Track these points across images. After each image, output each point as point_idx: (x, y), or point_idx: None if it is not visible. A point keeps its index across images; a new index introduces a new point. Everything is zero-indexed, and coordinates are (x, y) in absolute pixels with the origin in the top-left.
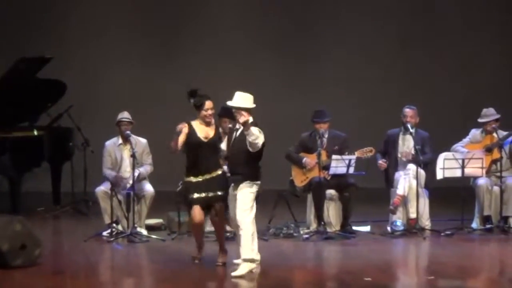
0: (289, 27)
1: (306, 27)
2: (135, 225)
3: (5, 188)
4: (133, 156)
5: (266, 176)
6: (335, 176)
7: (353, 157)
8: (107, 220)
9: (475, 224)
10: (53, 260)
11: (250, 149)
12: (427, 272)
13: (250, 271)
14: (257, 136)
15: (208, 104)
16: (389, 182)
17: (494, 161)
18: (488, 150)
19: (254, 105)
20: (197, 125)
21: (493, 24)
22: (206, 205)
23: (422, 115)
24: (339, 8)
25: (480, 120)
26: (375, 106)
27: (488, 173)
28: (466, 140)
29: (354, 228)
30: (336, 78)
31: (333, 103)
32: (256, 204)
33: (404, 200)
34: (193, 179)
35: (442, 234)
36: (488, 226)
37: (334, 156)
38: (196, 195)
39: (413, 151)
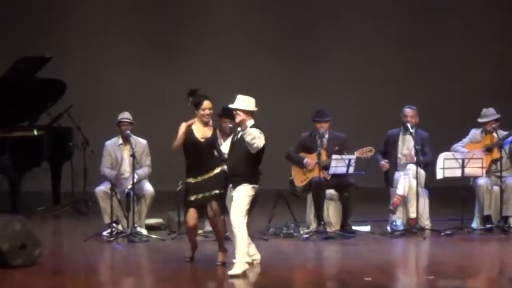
0: (289, 27)
1: (306, 27)
2: (135, 225)
3: (5, 188)
4: (133, 155)
5: (266, 176)
6: (335, 176)
7: (353, 157)
8: (107, 220)
9: (475, 224)
10: (53, 259)
11: (250, 150)
12: (427, 272)
13: (245, 271)
14: (254, 137)
15: (206, 103)
16: (389, 182)
17: (494, 161)
18: (488, 150)
19: (255, 108)
20: (196, 125)
21: (493, 24)
22: (203, 205)
23: (422, 115)
24: (339, 8)
25: (480, 120)
26: (375, 106)
27: (488, 173)
28: (466, 140)
29: (354, 228)
30: (336, 78)
31: (333, 103)
32: (256, 204)
33: (404, 200)
34: (192, 180)
35: (442, 234)
36: (488, 226)
37: (334, 156)
38: (193, 197)
39: (413, 151)
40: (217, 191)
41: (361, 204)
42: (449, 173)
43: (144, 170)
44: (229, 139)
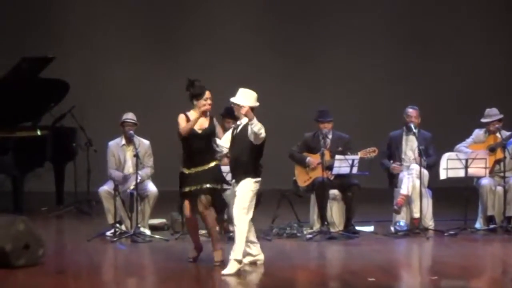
0: (291, 26)
1: (308, 26)
2: (138, 225)
3: (8, 188)
4: (136, 156)
5: (269, 176)
6: (338, 176)
7: (356, 157)
8: (110, 220)
9: (478, 224)
10: (56, 260)
11: (254, 142)
12: (430, 272)
13: (238, 270)
14: (261, 127)
15: (207, 94)
16: (393, 183)
17: (497, 161)
18: (492, 150)
19: (256, 104)
20: (193, 115)
21: (496, 24)
22: (195, 198)
23: (425, 116)
24: (342, 7)
25: (483, 120)
26: (377, 106)
27: (492, 173)
28: (469, 140)
29: (357, 228)
30: (338, 78)
31: (335, 103)
32: (259, 204)
33: (408, 200)
34: (186, 170)
35: (445, 234)
36: (491, 226)
37: (337, 156)
38: (186, 189)
39: (416, 152)
40: (209, 185)
41: (365, 205)
42: (452, 174)
43: (146, 171)
44: (228, 132)
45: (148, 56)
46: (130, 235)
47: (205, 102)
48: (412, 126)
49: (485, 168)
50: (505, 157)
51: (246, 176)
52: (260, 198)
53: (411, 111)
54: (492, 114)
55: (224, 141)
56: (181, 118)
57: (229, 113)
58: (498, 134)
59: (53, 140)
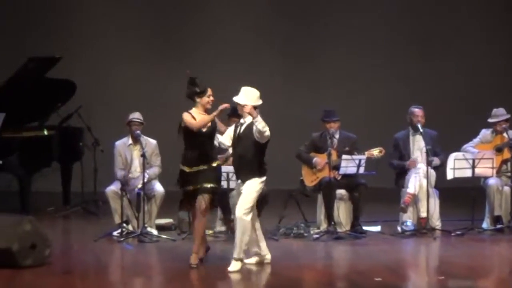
0: (295, 26)
1: (313, 26)
2: (145, 225)
3: (15, 188)
4: (143, 156)
5: (276, 176)
6: (345, 176)
7: (363, 157)
8: (117, 220)
9: (485, 224)
10: (62, 260)
11: (260, 140)
12: (437, 272)
13: (242, 267)
14: (265, 125)
15: (210, 91)
16: (400, 182)
17: (504, 161)
18: (498, 150)
19: (259, 102)
20: (196, 113)
21: (502, 24)
22: (195, 196)
23: (431, 115)
24: (347, 7)
25: (490, 120)
26: (383, 106)
27: (499, 173)
28: (476, 140)
29: (364, 228)
30: (343, 78)
31: (341, 102)
32: (266, 204)
33: (415, 199)
34: (186, 169)
35: (452, 234)
36: (498, 226)
37: (344, 156)
38: (187, 188)
39: (424, 151)
40: (211, 185)
41: (372, 204)
42: (459, 174)
43: (154, 170)
44: (229, 129)
45: (154, 56)
46: (137, 235)
47: (209, 99)
48: (420, 126)
49: (492, 168)
50: None
51: (253, 176)
52: (267, 198)
53: (417, 110)
54: (499, 114)
55: (225, 138)
56: (188, 116)
57: (236, 113)
58: (505, 134)
59: (60, 140)
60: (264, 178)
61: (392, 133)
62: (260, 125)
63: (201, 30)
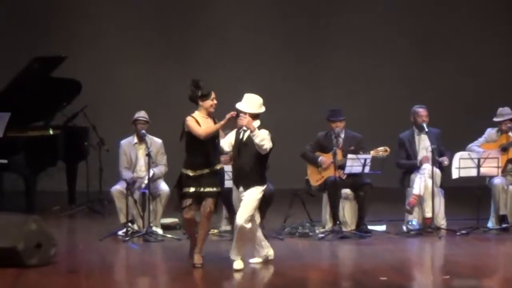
0: (300, 26)
1: (317, 26)
2: (151, 224)
3: (20, 187)
4: (148, 155)
5: (281, 175)
6: (350, 175)
7: (368, 156)
8: (122, 219)
9: (490, 224)
10: (68, 259)
11: (260, 151)
12: (442, 272)
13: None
14: (263, 138)
15: (214, 94)
16: (405, 182)
17: (509, 161)
18: (504, 149)
19: (261, 109)
20: (199, 117)
21: (506, 24)
22: (198, 200)
23: (436, 115)
24: (351, 7)
25: (495, 119)
26: (388, 105)
27: (504, 172)
28: (481, 139)
29: (370, 227)
30: (349, 77)
31: (346, 102)
32: (271, 204)
33: (420, 199)
34: (190, 172)
35: (457, 233)
36: (503, 225)
37: (349, 156)
38: (191, 190)
39: (429, 150)
40: (215, 189)
41: (377, 204)
42: (464, 173)
43: (160, 169)
44: (230, 135)
45: (159, 56)
46: (142, 235)
47: (212, 102)
48: (425, 125)
49: (498, 167)
50: None
51: (255, 184)
52: (271, 200)
53: (421, 110)
54: (505, 113)
55: (224, 144)
56: (193, 121)
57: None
58: (510, 133)
59: (65, 139)
60: (265, 187)
61: (394, 133)
62: (258, 139)
63: (203, 29)
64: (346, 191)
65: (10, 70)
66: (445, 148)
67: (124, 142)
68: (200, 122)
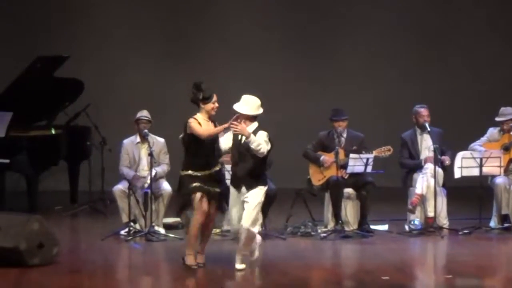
0: (304, 26)
1: (321, 25)
2: (153, 224)
3: (22, 187)
4: (150, 155)
5: (283, 174)
6: (352, 174)
7: (370, 156)
8: (124, 219)
9: (493, 223)
10: (70, 258)
11: (257, 155)
12: (445, 271)
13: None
14: (259, 143)
15: (215, 96)
16: (407, 181)
17: (511, 160)
18: (506, 149)
19: (259, 111)
20: (201, 119)
21: (510, 24)
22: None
23: (439, 114)
24: (356, 6)
25: (497, 119)
26: (391, 105)
27: (506, 172)
28: (484, 139)
29: (372, 227)
30: (352, 77)
31: (349, 101)
32: (273, 203)
33: (422, 199)
34: (192, 173)
35: (460, 233)
36: (506, 225)
37: (351, 155)
38: (198, 184)
39: (431, 149)
40: (216, 189)
41: (379, 203)
42: (467, 172)
43: (163, 168)
44: (228, 134)
45: (161, 55)
46: (144, 234)
47: (214, 105)
48: (427, 124)
49: (500, 167)
50: None
51: (257, 184)
52: (272, 200)
53: (422, 110)
54: (507, 113)
55: (224, 142)
56: (196, 123)
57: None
58: None
59: (67, 139)
60: (267, 187)
61: (396, 132)
62: (254, 144)
63: (210, 27)
64: (348, 191)
65: (12, 70)
66: (446, 147)
67: (126, 141)
68: (201, 125)
